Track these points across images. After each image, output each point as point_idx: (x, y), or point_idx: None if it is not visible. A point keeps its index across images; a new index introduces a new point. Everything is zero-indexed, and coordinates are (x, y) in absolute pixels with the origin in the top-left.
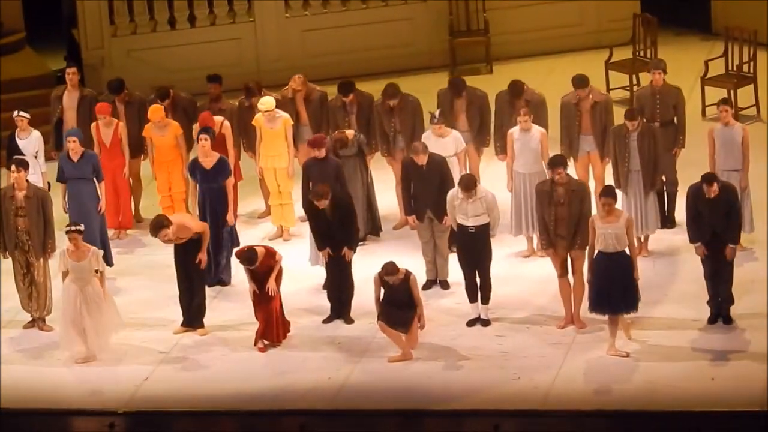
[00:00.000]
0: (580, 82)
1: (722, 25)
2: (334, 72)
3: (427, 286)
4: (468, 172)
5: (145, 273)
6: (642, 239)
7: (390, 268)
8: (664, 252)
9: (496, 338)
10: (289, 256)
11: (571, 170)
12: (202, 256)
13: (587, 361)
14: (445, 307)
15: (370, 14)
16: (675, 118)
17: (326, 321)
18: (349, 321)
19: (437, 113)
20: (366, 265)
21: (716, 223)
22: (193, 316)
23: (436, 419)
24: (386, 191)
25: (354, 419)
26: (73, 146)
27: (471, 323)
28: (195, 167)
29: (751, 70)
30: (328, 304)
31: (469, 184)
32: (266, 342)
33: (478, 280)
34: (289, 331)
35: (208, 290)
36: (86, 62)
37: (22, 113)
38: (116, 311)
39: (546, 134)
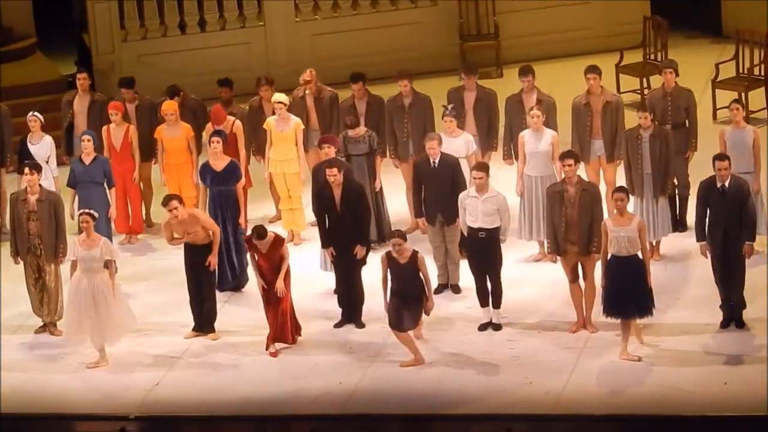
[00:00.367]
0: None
1: (733, 28)
2: (344, 76)
3: (439, 290)
4: None
5: (156, 278)
6: (654, 243)
7: (399, 234)
8: (676, 256)
9: (507, 343)
10: (299, 260)
11: (583, 174)
12: (213, 259)
13: (599, 366)
14: (456, 312)
15: (380, 18)
16: (687, 121)
17: (337, 325)
18: (360, 325)
19: (450, 107)
20: (375, 270)
21: (728, 218)
22: (203, 321)
23: (448, 424)
24: (396, 195)
25: (365, 424)
26: (87, 145)
27: (482, 328)
28: (206, 170)
29: (762, 73)
30: (339, 309)
31: (482, 166)
32: (277, 347)
33: (489, 284)
34: (300, 334)
35: (218, 295)
36: (97, 67)
37: (36, 113)
38: (128, 309)
39: (557, 137)
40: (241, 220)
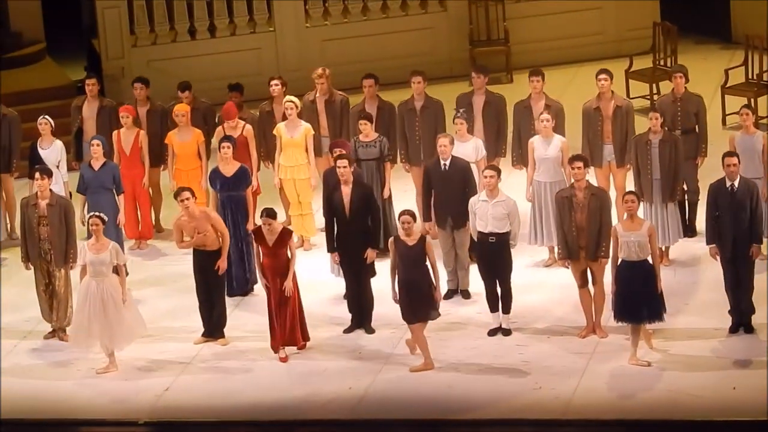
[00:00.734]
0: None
1: (742, 34)
2: (354, 81)
3: (448, 295)
4: None
5: (166, 283)
6: (663, 248)
7: (409, 212)
8: (685, 261)
9: (517, 348)
10: (309, 266)
11: (593, 179)
12: (222, 264)
13: (609, 371)
14: (465, 317)
15: (390, 24)
16: (696, 127)
17: (347, 331)
18: (370, 331)
19: (461, 110)
20: (384, 276)
21: (736, 220)
22: (213, 326)
23: (457, 429)
24: (406, 201)
25: (375, 429)
26: (96, 150)
27: (492, 333)
28: (215, 175)
29: None
30: (348, 314)
31: (494, 167)
32: (287, 351)
33: (498, 289)
34: (308, 339)
35: (228, 300)
36: (106, 72)
37: (46, 117)
38: (139, 314)
39: (567, 143)
40: (249, 226)
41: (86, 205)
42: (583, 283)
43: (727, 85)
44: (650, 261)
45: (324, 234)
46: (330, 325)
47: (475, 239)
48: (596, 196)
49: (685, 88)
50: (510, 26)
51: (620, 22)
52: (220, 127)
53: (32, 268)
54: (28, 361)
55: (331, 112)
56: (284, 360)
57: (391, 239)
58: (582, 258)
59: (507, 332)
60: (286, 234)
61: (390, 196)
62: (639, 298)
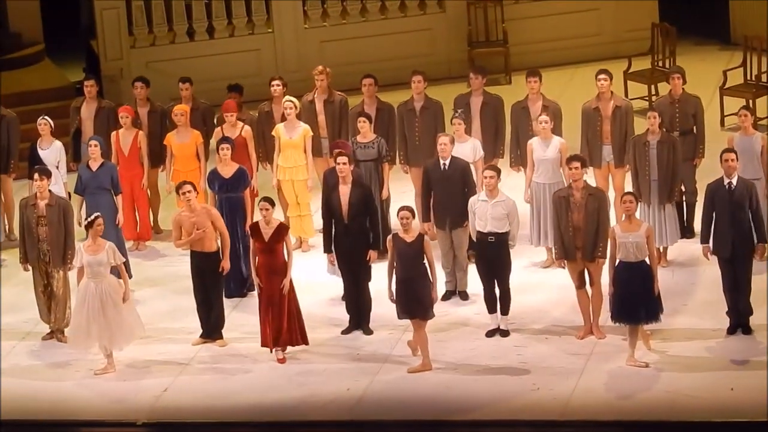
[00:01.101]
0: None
1: (741, 35)
2: (353, 82)
3: (447, 297)
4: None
5: (164, 284)
6: (661, 249)
7: (408, 208)
8: (683, 262)
9: (515, 349)
10: (307, 267)
11: (591, 180)
12: (225, 264)
13: (607, 372)
14: (464, 318)
15: (389, 25)
16: (694, 128)
17: (345, 332)
18: (368, 332)
19: (459, 111)
20: (382, 278)
21: (734, 220)
22: (211, 327)
23: (456, 429)
24: (405, 202)
25: (373, 430)
26: (94, 150)
27: (490, 334)
28: (214, 177)
29: None
30: (346, 316)
31: (494, 167)
32: (286, 352)
33: (497, 290)
34: (307, 342)
35: (226, 301)
36: (105, 73)
37: (46, 117)
38: (137, 315)
39: (566, 144)
40: (247, 227)
41: (83, 205)
42: (580, 284)
43: (726, 87)
44: (648, 262)
45: (321, 235)
46: (328, 326)
47: (474, 239)
48: (594, 197)
49: (683, 89)
50: (508, 27)
51: (619, 23)
52: (218, 128)
53: (31, 269)
54: (26, 362)
55: (330, 113)
56: (282, 361)
57: (389, 236)
58: (579, 258)
59: (505, 333)
60: (282, 229)
61: (389, 197)
62: (637, 299)
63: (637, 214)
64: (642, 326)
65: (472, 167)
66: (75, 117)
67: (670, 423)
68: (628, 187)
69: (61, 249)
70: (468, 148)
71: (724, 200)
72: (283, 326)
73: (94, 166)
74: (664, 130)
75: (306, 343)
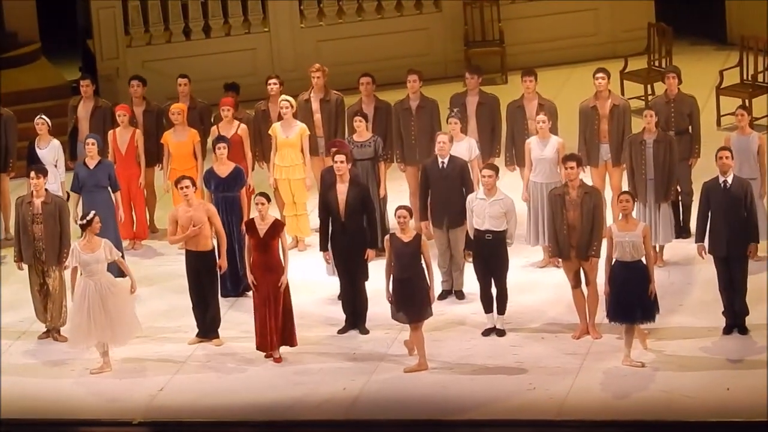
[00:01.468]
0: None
1: (737, 35)
2: (349, 82)
3: (443, 296)
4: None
5: (160, 283)
6: (656, 249)
7: (405, 207)
8: (679, 261)
9: (511, 348)
10: (304, 266)
11: (588, 179)
12: (222, 263)
13: (603, 371)
14: (460, 318)
15: (385, 24)
16: (690, 127)
17: (341, 332)
18: (364, 331)
19: (455, 110)
20: (379, 277)
21: (730, 219)
22: (207, 327)
23: (452, 429)
24: (401, 201)
25: (369, 430)
26: (91, 149)
27: (486, 333)
28: (210, 176)
29: (766, 80)
30: (342, 315)
31: (492, 165)
32: (275, 353)
33: (494, 290)
34: (295, 344)
35: (222, 301)
36: (101, 73)
37: (43, 116)
38: (135, 315)
39: (563, 143)
40: (243, 226)
41: (80, 203)
42: (576, 284)
43: (722, 86)
44: (644, 262)
45: (318, 234)
46: (324, 325)
47: (472, 237)
48: (590, 195)
49: (679, 89)
50: (505, 27)
51: (615, 23)
52: (214, 127)
53: (25, 267)
54: (22, 361)
55: (326, 112)
56: (278, 361)
57: (387, 236)
58: (573, 257)
59: (501, 333)
60: (278, 225)
61: (385, 196)
62: (633, 299)
63: (633, 214)
64: (638, 326)
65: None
66: (72, 115)
67: (667, 423)
68: (625, 186)
69: (57, 247)
70: (464, 148)
71: (719, 199)
72: (278, 325)
73: (92, 163)
74: (660, 128)
75: (294, 344)
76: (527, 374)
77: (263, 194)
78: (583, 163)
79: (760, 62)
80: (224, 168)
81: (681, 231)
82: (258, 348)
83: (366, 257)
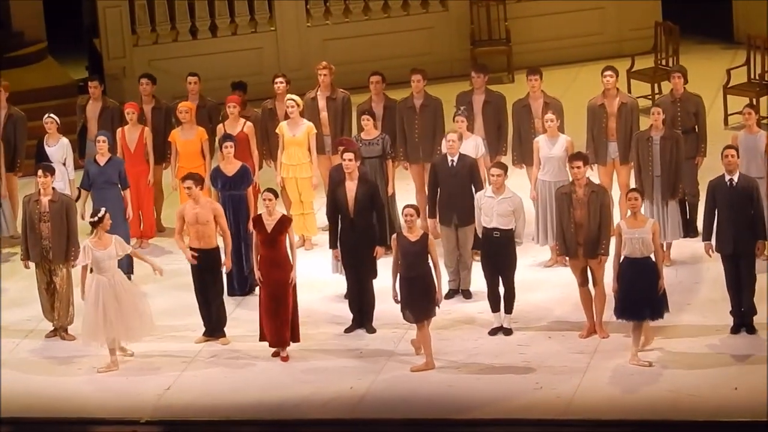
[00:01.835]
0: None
1: (744, 34)
2: (355, 81)
3: (450, 295)
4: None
5: (167, 282)
6: (664, 246)
7: (412, 206)
8: (686, 260)
9: (518, 347)
10: (310, 265)
11: (595, 178)
12: (228, 261)
13: (610, 370)
14: (467, 317)
15: (391, 23)
16: (696, 126)
17: (348, 330)
18: (371, 330)
19: (462, 108)
20: (386, 275)
21: (736, 217)
22: (214, 326)
23: (458, 429)
24: (409, 199)
25: (376, 429)
26: (102, 146)
27: (493, 332)
28: (217, 174)
29: None
30: (349, 313)
31: (501, 164)
32: (282, 352)
33: (501, 288)
34: (298, 340)
35: (228, 300)
36: (108, 72)
37: (52, 115)
38: (147, 310)
39: (572, 142)
40: (250, 225)
41: (88, 200)
42: (583, 282)
43: (729, 85)
44: (653, 258)
45: (325, 233)
46: (331, 324)
47: (480, 235)
48: (596, 194)
49: (684, 88)
50: (511, 26)
51: (622, 22)
52: (220, 125)
53: (32, 266)
54: (29, 360)
55: (333, 110)
56: (285, 359)
57: (394, 235)
58: (581, 256)
59: (508, 332)
60: (285, 221)
61: (393, 194)
62: (642, 296)
63: (642, 211)
64: (647, 323)
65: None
66: (81, 114)
67: (674, 422)
68: (633, 183)
69: (64, 246)
70: (471, 146)
71: (725, 197)
72: (287, 322)
73: (102, 160)
74: (668, 126)
75: (297, 340)
76: (534, 373)
77: (271, 191)
78: (591, 161)
79: (767, 61)
80: (231, 167)
81: (689, 230)
82: (260, 339)
83: (375, 254)
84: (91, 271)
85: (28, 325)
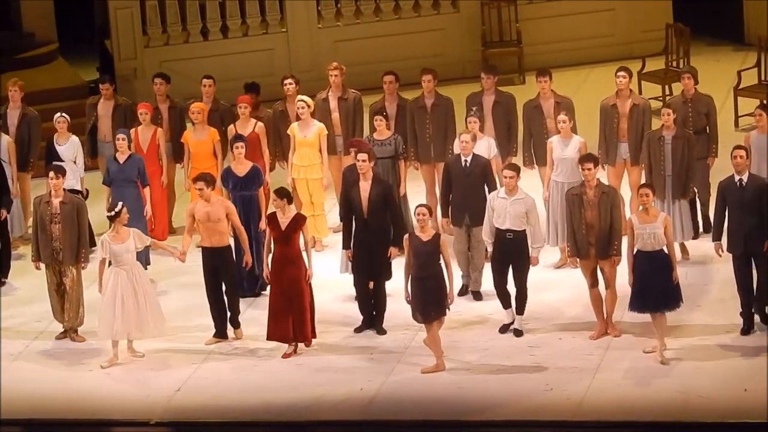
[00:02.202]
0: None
1: (755, 35)
2: (366, 82)
3: (461, 291)
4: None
5: (178, 282)
6: (680, 243)
7: (425, 206)
8: (697, 260)
9: (528, 349)
10: (321, 266)
11: (604, 178)
12: (248, 258)
13: (621, 372)
14: (477, 317)
15: (403, 25)
16: (707, 127)
17: (358, 331)
18: (382, 332)
19: (474, 109)
20: (398, 277)
21: (747, 217)
22: (226, 326)
23: (469, 430)
24: (421, 199)
25: (386, 430)
26: (122, 144)
27: (503, 329)
28: (228, 175)
29: None
30: (360, 315)
31: (514, 166)
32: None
33: (512, 288)
34: (315, 336)
35: (240, 300)
36: (119, 73)
37: (63, 114)
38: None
39: (585, 143)
40: (261, 225)
41: (111, 197)
42: (593, 283)
43: (740, 87)
44: (666, 251)
45: (336, 234)
46: (342, 325)
47: (490, 233)
48: (607, 195)
49: (695, 89)
50: (522, 27)
51: (633, 24)
52: (231, 125)
53: (43, 267)
54: (39, 361)
55: (344, 110)
56: (287, 356)
57: (406, 235)
58: (592, 256)
59: (519, 333)
60: (300, 218)
61: (406, 194)
62: (656, 288)
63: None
64: (664, 315)
65: None
66: (91, 114)
67: (685, 423)
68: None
69: (74, 247)
70: (483, 147)
71: (735, 197)
72: (301, 319)
73: (122, 158)
74: (679, 126)
75: (310, 342)
76: (544, 374)
77: (279, 192)
78: (601, 161)
79: None
80: (242, 167)
81: (698, 230)
82: (269, 338)
83: (389, 255)
84: (110, 264)
85: (38, 327)
